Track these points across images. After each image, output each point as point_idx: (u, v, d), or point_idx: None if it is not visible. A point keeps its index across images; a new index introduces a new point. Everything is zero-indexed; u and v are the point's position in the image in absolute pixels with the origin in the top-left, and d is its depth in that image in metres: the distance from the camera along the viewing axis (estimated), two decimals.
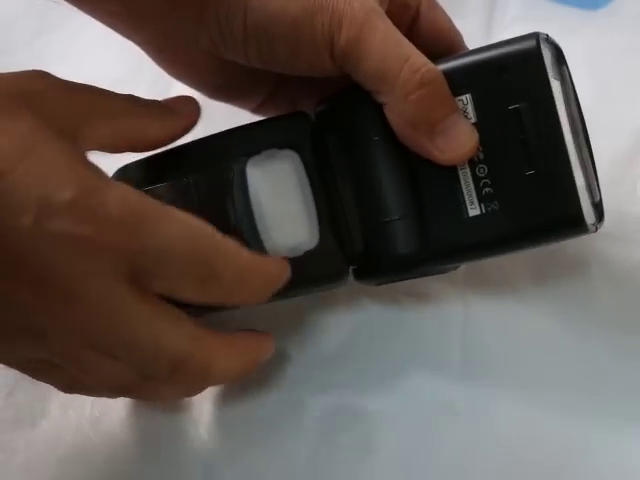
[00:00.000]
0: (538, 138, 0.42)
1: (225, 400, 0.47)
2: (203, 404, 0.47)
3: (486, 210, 0.43)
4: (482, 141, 0.43)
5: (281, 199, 0.45)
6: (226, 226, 0.43)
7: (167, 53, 0.47)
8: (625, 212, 0.51)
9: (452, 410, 0.46)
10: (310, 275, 0.45)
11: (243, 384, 0.47)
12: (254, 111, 0.51)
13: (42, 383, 0.43)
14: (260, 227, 0.44)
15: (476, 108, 0.43)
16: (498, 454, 0.45)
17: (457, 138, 0.43)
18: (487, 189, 0.43)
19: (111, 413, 0.47)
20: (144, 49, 0.48)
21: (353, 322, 0.49)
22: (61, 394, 0.44)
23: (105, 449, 0.46)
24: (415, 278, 0.47)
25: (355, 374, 0.47)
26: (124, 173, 0.46)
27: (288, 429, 0.46)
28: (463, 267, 0.49)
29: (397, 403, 0.46)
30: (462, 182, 0.43)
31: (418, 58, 0.42)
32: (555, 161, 0.42)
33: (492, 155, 0.43)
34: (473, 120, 0.43)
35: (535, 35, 0.42)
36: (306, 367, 0.48)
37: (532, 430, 0.45)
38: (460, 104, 0.43)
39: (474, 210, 0.43)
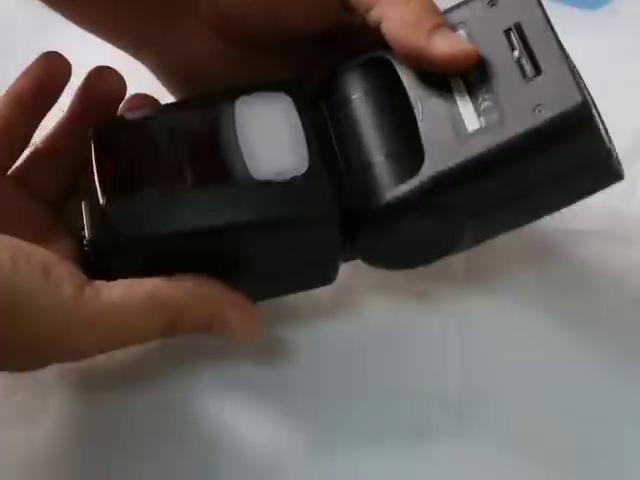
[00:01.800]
0: (535, 49, 0.42)
1: (222, 400, 0.47)
2: (204, 399, 0.47)
3: (486, 122, 0.42)
4: (477, 65, 0.42)
5: (268, 129, 0.44)
6: (213, 161, 0.43)
7: (166, 52, 0.47)
8: (624, 212, 0.51)
9: (451, 410, 0.46)
10: (297, 206, 0.43)
11: (239, 385, 0.47)
12: None
13: (41, 381, 0.43)
14: (245, 152, 0.43)
15: (470, 39, 0.43)
16: (497, 454, 0.45)
17: (456, 39, 0.43)
18: (486, 103, 0.42)
19: (110, 411, 0.47)
20: (137, 52, 0.48)
21: (352, 322, 0.49)
22: (60, 392, 0.44)
23: (104, 448, 0.46)
24: (422, 250, 0.44)
25: (353, 374, 0.47)
26: (104, 129, 0.45)
27: (286, 430, 0.46)
28: (463, 267, 0.49)
29: (396, 403, 0.46)
30: (459, 103, 0.42)
31: None
32: (553, 64, 0.41)
33: (488, 75, 0.42)
34: None
35: None
36: (305, 367, 0.48)
37: (531, 430, 0.45)
38: None
39: (473, 124, 0.42)
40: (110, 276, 0.42)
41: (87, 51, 0.51)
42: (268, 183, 0.42)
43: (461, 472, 0.45)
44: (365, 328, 0.49)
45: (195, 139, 0.44)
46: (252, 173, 0.43)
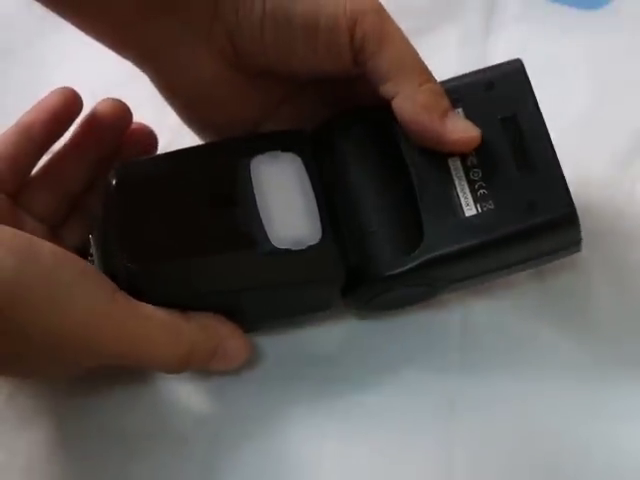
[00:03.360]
0: (529, 143, 0.45)
1: (223, 400, 0.47)
2: (200, 402, 0.47)
3: (482, 209, 0.44)
4: (475, 150, 0.45)
5: (284, 194, 0.46)
6: (231, 223, 0.44)
7: (172, 69, 0.47)
8: (624, 212, 0.51)
9: (451, 410, 0.46)
10: (311, 272, 0.45)
11: (241, 384, 0.47)
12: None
13: (43, 383, 0.43)
14: (264, 220, 0.45)
15: (467, 118, 0.45)
16: (497, 454, 0.45)
17: (465, 124, 0.45)
18: (482, 190, 0.45)
19: (112, 414, 0.47)
20: (141, 64, 0.48)
21: (352, 322, 0.49)
22: (62, 394, 0.45)
23: (106, 449, 0.46)
24: (408, 300, 0.47)
25: (353, 374, 0.47)
26: (125, 171, 0.46)
27: (285, 426, 0.46)
28: None
29: (396, 403, 0.47)
30: (457, 186, 0.45)
31: None
32: (545, 161, 0.44)
33: (485, 160, 0.45)
34: None
35: (519, 60, 0.46)
36: (305, 367, 0.48)
37: (531, 430, 0.45)
38: None
39: (470, 210, 0.44)
40: None
41: (87, 53, 0.51)
42: (287, 251, 0.44)
43: (459, 470, 0.45)
44: (364, 327, 0.49)
45: (214, 201, 0.45)
46: (272, 241, 0.44)
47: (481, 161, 0.45)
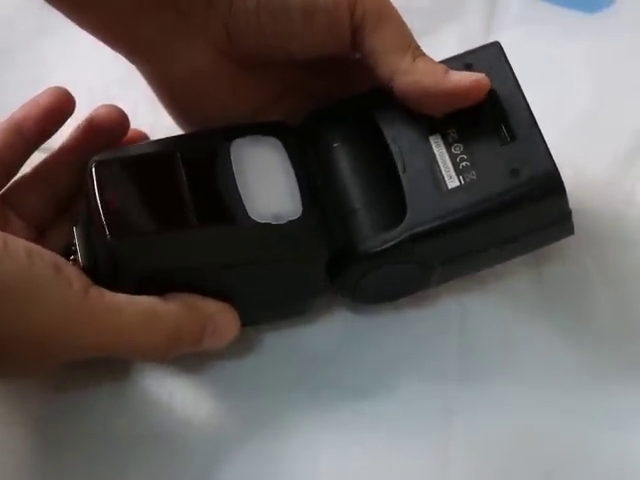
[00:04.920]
0: (509, 115, 0.45)
1: (218, 404, 0.47)
2: (196, 405, 0.47)
3: (464, 181, 0.44)
4: (456, 127, 0.45)
5: (264, 172, 0.46)
6: (211, 200, 0.45)
7: (166, 62, 0.47)
8: (624, 213, 0.51)
9: (449, 411, 0.46)
10: (292, 247, 0.45)
11: (238, 384, 0.47)
12: None
13: (35, 381, 0.43)
14: (244, 196, 0.45)
15: None
16: (495, 454, 0.45)
17: (468, 73, 0.45)
18: (464, 163, 0.45)
19: (105, 417, 0.47)
20: (135, 57, 0.48)
21: (350, 323, 0.49)
22: (52, 391, 0.45)
23: (100, 453, 0.46)
24: (401, 288, 0.47)
25: (352, 375, 0.47)
26: (105, 156, 0.46)
27: (285, 429, 0.46)
28: None
29: (394, 404, 0.46)
30: (439, 160, 0.45)
31: None
32: (527, 132, 0.44)
33: (466, 135, 0.45)
34: None
35: (496, 42, 0.47)
36: (303, 367, 0.48)
37: (530, 430, 0.45)
38: None
39: (453, 182, 0.44)
40: None
41: (86, 54, 0.52)
42: (267, 225, 0.44)
43: (459, 472, 0.45)
44: (363, 327, 0.49)
45: (194, 180, 0.45)
46: (252, 215, 0.44)
47: (462, 136, 0.45)
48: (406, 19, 0.46)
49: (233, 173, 0.45)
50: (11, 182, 0.48)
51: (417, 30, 0.47)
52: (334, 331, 0.49)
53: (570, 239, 0.47)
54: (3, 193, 0.48)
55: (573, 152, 0.44)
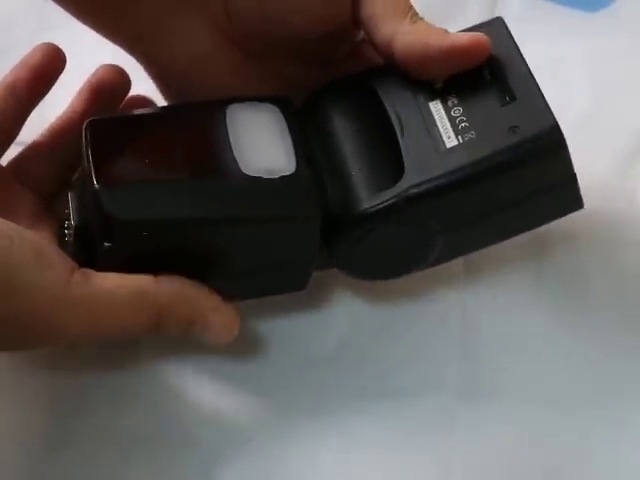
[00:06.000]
0: (509, 78, 0.44)
1: (222, 400, 0.47)
2: (198, 405, 0.47)
3: (463, 140, 0.44)
4: (456, 93, 0.45)
5: (258, 131, 0.45)
6: (202, 154, 0.44)
7: (165, 45, 0.47)
8: (624, 213, 0.51)
9: (450, 410, 0.46)
10: (284, 203, 0.44)
11: (240, 384, 0.47)
12: None
13: (36, 380, 0.43)
14: (235, 150, 0.44)
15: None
16: (496, 455, 0.45)
17: (468, 33, 0.45)
18: (463, 124, 0.44)
19: (109, 416, 0.47)
20: (135, 43, 0.48)
21: (351, 323, 0.49)
22: (53, 391, 0.45)
23: (103, 451, 0.46)
24: (401, 259, 0.46)
25: (352, 374, 0.47)
26: (99, 118, 0.46)
27: (287, 429, 0.46)
28: (462, 268, 0.49)
29: (395, 404, 0.46)
30: (438, 123, 0.44)
31: None
32: (527, 92, 0.44)
33: (466, 99, 0.45)
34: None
35: (499, 17, 0.47)
36: (303, 368, 0.48)
37: (530, 431, 0.45)
38: None
39: (451, 142, 0.44)
40: (95, 267, 0.43)
41: (86, 52, 0.51)
42: (258, 179, 0.43)
43: (460, 471, 0.45)
44: (364, 327, 0.49)
45: (187, 137, 0.45)
46: (243, 169, 0.44)
47: (462, 100, 0.45)
48: None
49: (227, 132, 0.45)
50: (19, 153, 0.48)
51: None
52: (335, 331, 0.49)
53: (570, 239, 0.47)
54: (11, 164, 0.47)
55: (573, 152, 0.44)
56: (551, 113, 0.43)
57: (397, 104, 0.45)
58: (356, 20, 0.47)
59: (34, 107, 0.48)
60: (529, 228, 0.46)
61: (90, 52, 0.51)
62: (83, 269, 0.42)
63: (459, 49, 0.44)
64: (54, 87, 0.47)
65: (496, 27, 0.47)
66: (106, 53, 0.49)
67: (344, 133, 0.46)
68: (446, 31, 0.45)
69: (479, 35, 0.45)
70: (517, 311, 0.49)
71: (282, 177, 0.44)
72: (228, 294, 0.45)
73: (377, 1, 0.46)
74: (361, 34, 0.49)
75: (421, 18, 0.46)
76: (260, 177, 0.43)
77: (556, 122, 0.43)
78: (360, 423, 0.46)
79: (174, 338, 0.47)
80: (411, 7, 0.46)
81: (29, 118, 0.48)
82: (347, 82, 0.47)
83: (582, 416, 0.46)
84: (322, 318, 0.49)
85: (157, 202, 0.43)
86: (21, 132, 0.48)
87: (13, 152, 0.48)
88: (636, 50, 0.57)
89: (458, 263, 0.49)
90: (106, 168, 0.43)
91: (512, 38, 0.46)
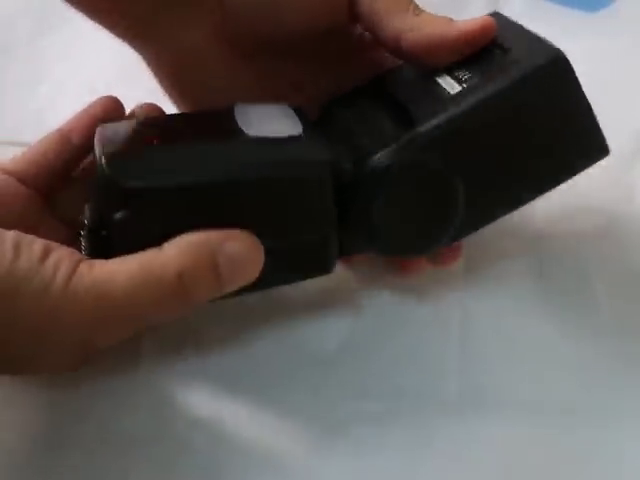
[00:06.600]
0: (508, 37, 0.44)
1: (223, 400, 0.47)
2: (200, 406, 0.47)
3: (467, 85, 0.43)
4: (459, 65, 0.44)
5: (265, 113, 0.45)
6: (211, 127, 0.44)
7: (162, 39, 0.47)
8: (624, 213, 0.51)
9: (451, 410, 0.46)
10: (293, 160, 0.42)
11: (240, 385, 0.47)
12: None
13: (37, 380, 0.43)
14: (241, 123, 0.43)
15: None
16: (496, 454, 0.45)
17: (470, 19, 0.45)
18: (466, 76, 0.44)
19: (111, 416, 0.47)
20: (134, 36, 0.47)
21: (351, 322, 0.49)
22: (54, 390, 0.45)
23: (106, 452, 0.46)
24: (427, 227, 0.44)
25: (353, 375, 0.47)
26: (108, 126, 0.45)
27: (287, 429, 0.46)
28: (462, 267, 0.49)
29: (394, 403, 0.46)
30: (442, 83, 0.44)
31: None
32: (526, 37, 0.44)
33: (470, 65, 0.44)
34: None
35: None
36: (304, 367, 0.48)
37: (530, 431, 0.45)
38: None
39: (455, 90, 0.43)
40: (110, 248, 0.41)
41: (87, 50, 0.52)
42: (265, 139, 0.43)
43: (460, 472, 0.45)
44: (364, 328, 0.49)
45: (196, 123, 0.45)
46: (250, 133, 0.43)
47: (466, 66, 0.44)
48: None
49: (234, 115, 0.44)
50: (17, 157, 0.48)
51: None
52: (335, 331, 0.49)
53: (571, 240, 0.47)
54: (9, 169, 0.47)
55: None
56: (553, 45, 0.43)
57: (406, 92, 0.45)
58: (355, 17, 0.47)
59: (88, 153, 0.47)
60: (553, 181, 0.44)
61: (90, 52, 0.51)
62: (89, 260, 0.40)
63: (467, 35, 0.45)
64: (54, 90, 0.47)
65: (495, 16, 0.46)
66: (106, 54, 0.49)
67: (354, 117, 0.46)
68: (450, 20, 0.45)
69: (484, 18, 0.45)
70: (517, 311, 0.49)
71: (290, 136, 0.43)
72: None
73: None
74: (357, 30, 0.48)
75: (422, 10, 0.46)
76: (267, 137, 0.43)
77: (559, 50, 0.43)
78: (360, 423, 0.46)
79: (174, 341, 0.47)
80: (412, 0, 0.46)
81: (29, 118, 0.48)
82: (357, 91, 0.47)
83: (582, 416, 0.46)
84: (322, 318, 0.49)
85: (161, 166, 0.42)
86: (22, 132, 0.48)
87: (13, 152, 0.48)
88: (636, 50, 0.57)
89: (458, 263, 0.49)
90: (114, 152, 0.42)
91: (511, 20, 0.46)
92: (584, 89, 0.45)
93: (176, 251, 0.40)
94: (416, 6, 0.46)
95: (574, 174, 0.44)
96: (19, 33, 0.59)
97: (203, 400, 0.47)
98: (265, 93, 0.48)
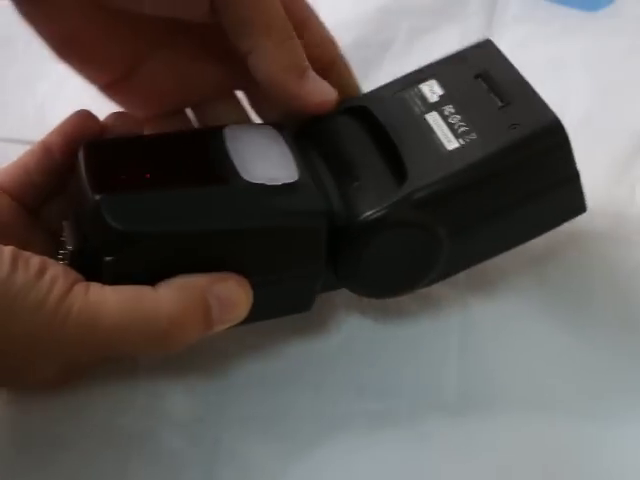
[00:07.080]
0: (505, 86, 0.45)
1: (224, 399, 0.47)
2: (199, 404, 0.47)
3: (464, 142, 0.44)
4: (452, 102, 0.45)
5: (257, 146, 0.44)
6: (203, 167, 0.44)
7: (47, 15, 0.46)
8: (624, 214, 0.51)
9: (451, 410, 0.46)
10: (288, 209, 0.43)
11: (239, 384, 0.47)
12: (104, 88, 0.49)
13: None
14: (237, 164, 0.43)
15: (441, 85, 0.46)
16: (496, 455, 0.45)
17: (322, 85, 0.45)
18: (463, 128, 0.44)
19: (109, 415, 0.47)
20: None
21: (352, 323, 0.49)
22: (57, 395, 0.45)
23: (103, 450, 0.46)
24: (412, 273, 0.45)
25: (353, 374, 0.47)
26: (94, 140, 0.46)
27: (287, 428, 0.46)
28: None
29: (395, 404, 0.46)
30: (436, 130, 0.44)
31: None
32: (522, 95, 0.44)
33: (462, 106, 0.45)
34: (440, 93, 0.45)
35: (488, 39, 0.47)
36: (304, 368, 0.48)
37: (530, 431, 0.45)
38: (427, 87, 0.46)
39: (452, 145, 0.44)
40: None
41: None
42: (261, 185, 0.43)
43: (460, 471, 0.45)
44: (364, 328, 0.49)
45: (186, 153, 0.45)
46: (246, 177, 0.43)
47: (459, 108, 0.45)
48: (408, 18, 0.47)
49: (226, 147, 0.44)
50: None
51: (419, 29, 0.47)
52: (335, 331, 0.49)
53: (571, 239, 0.47)
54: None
55: (573, 152, 0.44)
56: (550, 109, 0.44)
57: (393, 120, 0.45)
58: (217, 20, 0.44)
59: (67, 165, 0.46)
60: (533, 234, 0.46)
61: None
62: (85, 282, 0.41)
63: (304, 103, 0.44)
64: (54, 88, 0.47)
65: (485, 46, 0.47)
66: None
67: (342, 149, 0.46)
68: (306, 69, 0.44)
69: (329, 95, 0.45)
70: (517, 311, 0.49)
71: (285, 184, 0.43)
72: None
73: (242, 4, 0.43)
74: None
75: (294, 39, 0.44)
76: (263, 184, 0.43)
77: (557, 117, 0.43)
78: (360, 423, 0.46)
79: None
80: (282, 21, 0.44)
81: (29, 118, 0.48)
82: (340, 110, 0.47)
83: (582, 417, 0.46)
84: (322, 318, 0.49)
85: (156, 211, 0.41)
86: (22, 131, 0.48)
87: (13, 152, 0.48)
88: (636, 50, 0.57)
89: None
90: (102, 181, 0.42)
91: (503, 55, 0.46)
92: (584, 89, 0.45)
93: (169, 295, 0.41)
94: (283, 27, 0.44)
95: (555, 227, 0.46)
96: (20, 31, 0.59)
97: (202, 399, 0.47)
98: (140, 55, 0.48)
